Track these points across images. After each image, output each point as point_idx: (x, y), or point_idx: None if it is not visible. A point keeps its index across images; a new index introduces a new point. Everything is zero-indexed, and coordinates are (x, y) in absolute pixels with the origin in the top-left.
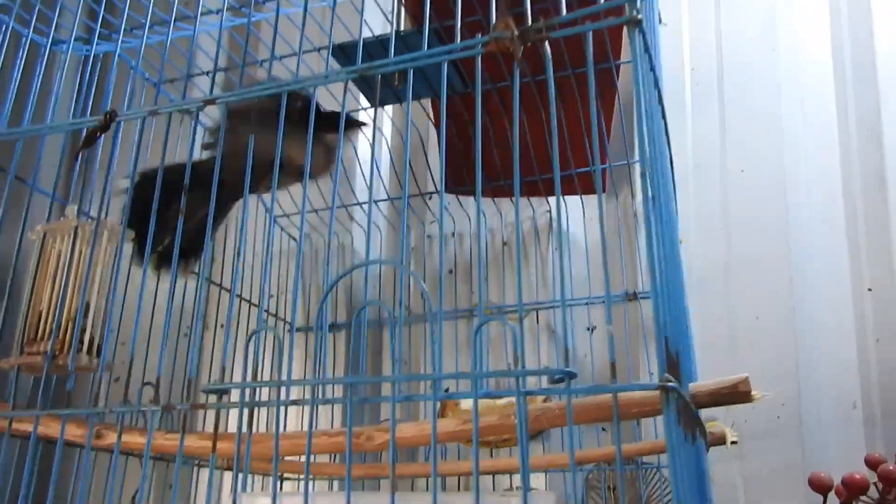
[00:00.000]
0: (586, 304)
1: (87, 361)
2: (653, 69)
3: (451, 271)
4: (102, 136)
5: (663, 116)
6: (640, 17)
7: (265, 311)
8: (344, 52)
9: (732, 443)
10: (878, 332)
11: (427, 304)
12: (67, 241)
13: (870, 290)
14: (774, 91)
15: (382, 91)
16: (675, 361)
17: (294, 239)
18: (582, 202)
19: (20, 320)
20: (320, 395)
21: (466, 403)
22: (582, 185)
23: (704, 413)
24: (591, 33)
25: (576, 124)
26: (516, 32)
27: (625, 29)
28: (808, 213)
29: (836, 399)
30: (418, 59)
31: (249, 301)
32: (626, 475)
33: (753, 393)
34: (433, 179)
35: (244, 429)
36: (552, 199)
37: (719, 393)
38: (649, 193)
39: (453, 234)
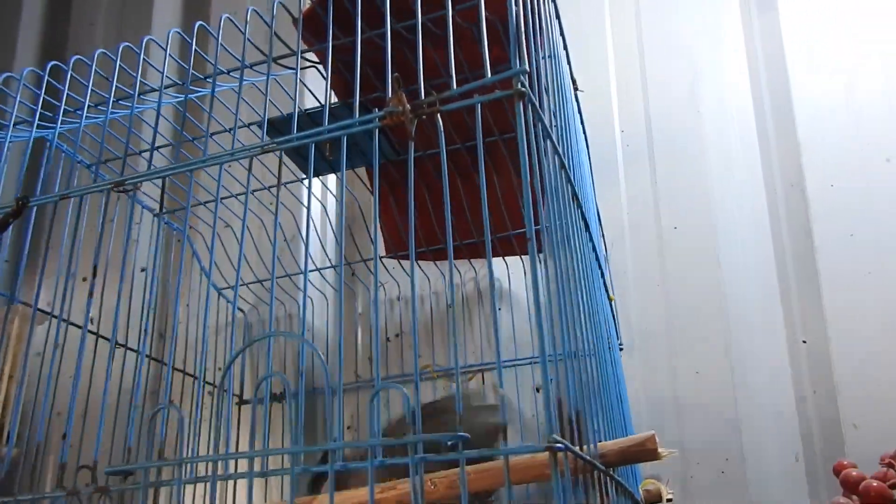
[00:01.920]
0: (530, 363)
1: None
2: (549, 137)
3: (397, 335)
4: (13, 221)
5: (591, 171)
6: (524, 90)
7: (209, 383)
8: (276, 128)
9: (668, 500)
10: (814, 384)
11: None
12: None
13: (804, 342)
14: (700, 149)
15: (317, 162)
16: (569, 421)
17: (241, 310)
18: (523, 263)
19: None
20: (262, 467)
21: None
22: (520, 245)
23: (646, 470)
24: (480, 106)
25: (509, 186)
26: (408, 107)
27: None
28: (740, 267)
29: (778, 452)
30: (333, 131)
31: (193, 375)
32: None
33: (661, 451)
34: (371, 242)
35: None
36: (494, 260)
37: (628, 451)
38: (537, 260)
39: (398, 297)
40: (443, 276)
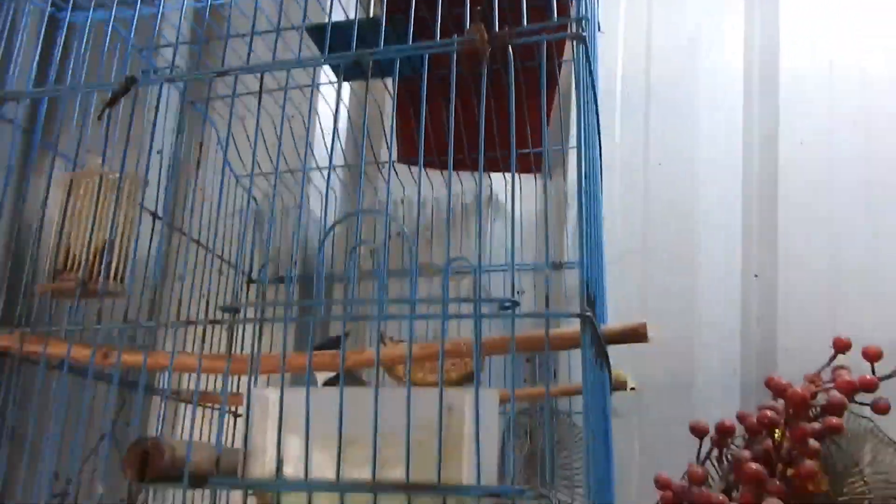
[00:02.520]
0: (517, 269)
1: (115, 287)
2: (591, 73)
3: (398, 234)
4: (122, 97)
5: (596, 111)
6: (584, 34)
7: (224, 259)
8: (318, 32)
9: (632, 388)
10: (759, 312)
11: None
12: (93, 186)
13: (756, 276)
14: (692, 96)
15: (352, 70)
16: (592, 301)
17: (255, 199)
18: (520, 181)
19: (49, 255)
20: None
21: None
22: (520, 165)
23: (613, 364)
24: (544, 42)
25: (519, 112)
26: (485, 37)
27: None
28: (712, 205)
29: (720, 365)
30: (404, 51)
31: (213, 252)
32: (540, 420)
33: (650, 335)
34: (388, 148)
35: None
36: (493, 175)
37: (625, 331)
38: (583, 172)
39: (402, 200)
40: (446, 185)
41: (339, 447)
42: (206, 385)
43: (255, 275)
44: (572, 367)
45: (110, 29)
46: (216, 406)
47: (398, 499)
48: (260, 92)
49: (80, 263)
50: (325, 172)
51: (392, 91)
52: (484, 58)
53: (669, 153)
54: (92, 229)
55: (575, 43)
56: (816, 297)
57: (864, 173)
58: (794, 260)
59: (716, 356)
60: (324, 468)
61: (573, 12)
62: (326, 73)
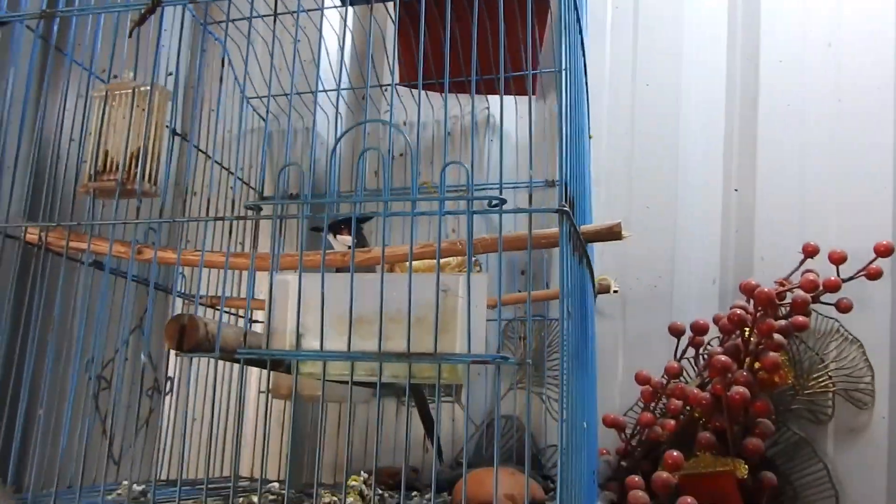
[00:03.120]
0: (514, 187)
1: (150, 188)
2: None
3: (401, 154)
4: (149, 17)
5: (582, 38)
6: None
7: (239, 179)
8: None
9: (615, 291)
10: (738, 225)
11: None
12: (127, 98)
13: (736, 190)
14: (678, 20)
15: None
16: (571, 200)
17: (262, 118)
18: (515, 102)
19: (89, 159)
20: None
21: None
22: (516, 87)
23: (598, 271)
24: None
25: (513, 34)
26: None
27: None
28: (695, 124)
29: (700, 275)
30: None
31: (227, 169)
32: (535, 326)
33: (623, 233)
34: (391, 71)
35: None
36: (491, 98)
37: (601, 231)
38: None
39: (405, 122)
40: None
41: (350, 323)
42: (215, 290)
43: (266, 191)
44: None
45: None
46: (230, 310)
47: (400, 367)
48: (276, 14)
49: (117, 166)
50: (333, 95)
51: (394, 16)
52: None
53: (656, 75)
54: (128, 136)
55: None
56: (790, 209)
57: (835, 91)
58: (770, 175)
59: (697, 265)
60: (336, 343)
61: None
62: None
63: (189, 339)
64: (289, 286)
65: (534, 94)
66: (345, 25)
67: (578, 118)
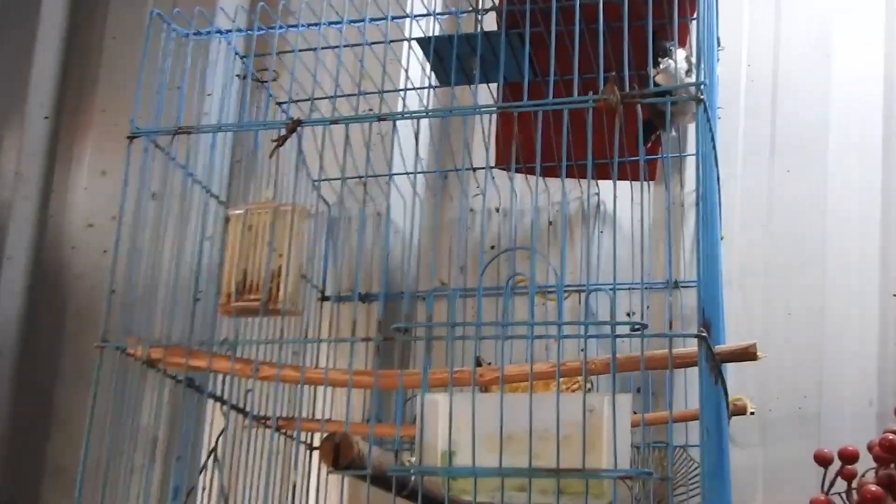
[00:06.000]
0: (629, 289)
1: (292, 307)
2: (710, 130)
3: (492, 247)
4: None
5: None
6: (702, 98)
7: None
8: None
9: (751, 413)
10: None
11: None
12: (266, 218)
13: (895, 296)
14: (824, 97)
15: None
16: (707, 325)
17: (326, 203)
18: (631, 189)
19: (225, 278)
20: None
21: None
22: (632, 172)
23: (733, 389)
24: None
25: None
26: (619, 97)
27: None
28: (845, 217)
29: (854, 395)
30: (546, 104)
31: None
32: (655, 455)
33: (759, 354)
34: (486, 150)
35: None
36: (602, 183)
37: (735, 352)
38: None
39: (497, 209)
40: (547, 191)
41: (501, 440)
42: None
43: (328, 291)
44: (688, 393)
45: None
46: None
47: (549, 484)
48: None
49: (257, 285)
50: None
51: (497, 96)
52: (617, 112)
53: (798, 159)
54: (270, 255)
55: (696, 105)
56: None
57: None
58: None
59: (850, 383)
60: (485, 461)
61: (693, 75)
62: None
63: (345, 456)
64: (438, 405)
65: (651, 178)
66: (428, 96)
67: (710, 211)
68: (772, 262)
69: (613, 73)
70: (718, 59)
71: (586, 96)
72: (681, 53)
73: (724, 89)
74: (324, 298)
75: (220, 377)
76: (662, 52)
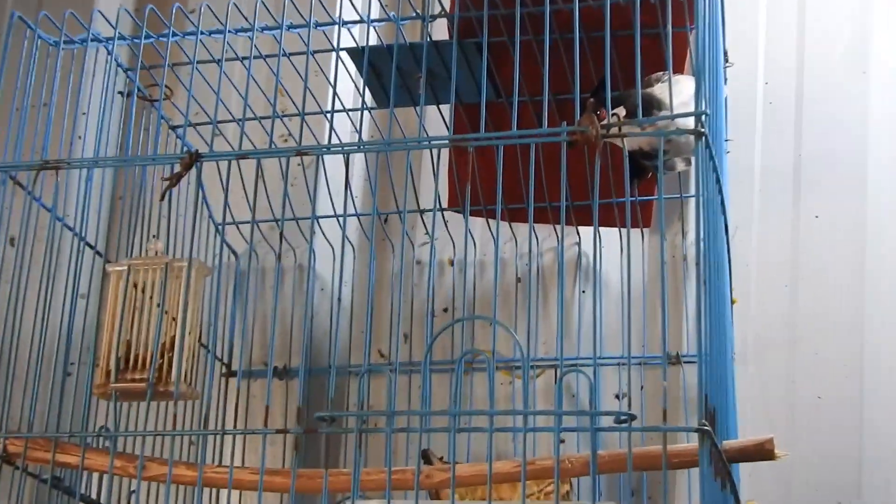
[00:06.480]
0: (617, 364)
1: (188, 389)
2: (715, 170)
3: (444, 310)
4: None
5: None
6: (704, 131)
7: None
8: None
9: None
10: None
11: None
12: (156, 276)
13: None
14: (861, 121)
15: (399, 94)
16: (711, 415)
17: (234, 253)
18: (620, 238)
19: (104, 350)
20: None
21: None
22: (620, 217)
23: (748, 493)
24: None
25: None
26: (599, 131)
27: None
28: (890, 274)
29: None
30: (511, 137)
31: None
32: None
33: (778, 452)
34: (435, 191)
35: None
36: (583, 230)
37: (746, 449)
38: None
39: (451, 261)
40: (514, 240)
41: None
42: None
43: (234, 365)
44: (692, 499)
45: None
46: None
47: None
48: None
49: (144, 362)
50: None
51: (449, 122)
52: (597, 149)
53: (829, 203)
54: (160, 324)
55: (696, 140)
56: None
57: None
58: None
59: (895, 483)
60: None
61: (692, 104)
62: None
63: None
64: None
65: (646, 225)
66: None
67: (717, 268)
68: (797, 333)
69: (591, 98)
70: (726, 80)
71: (559, 128)
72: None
73: (735, 115)
74: (229, 374)
75: (95, 476)
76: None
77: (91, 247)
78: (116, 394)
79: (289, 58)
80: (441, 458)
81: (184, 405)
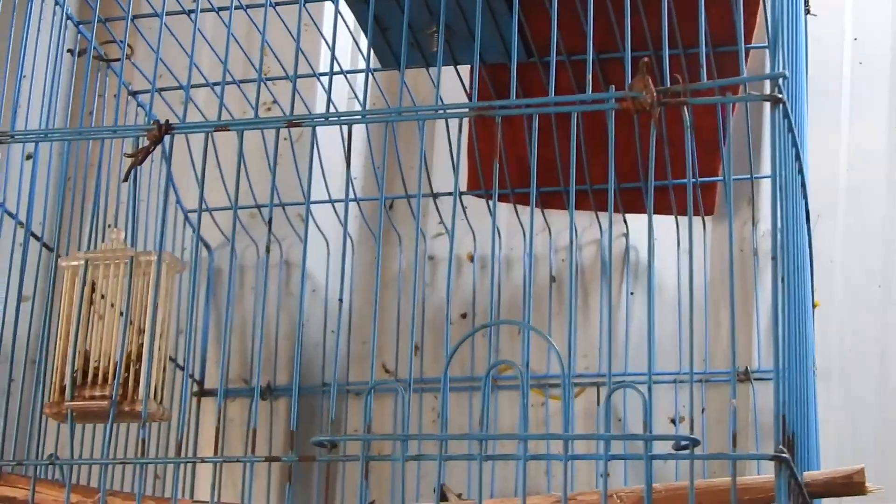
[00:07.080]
0: (674, 380)
1: (157, 408)
2: (795, 142)
3: (463, 315)
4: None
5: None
6: (780, 96)
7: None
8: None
9: None
10: None
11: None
12: (119, 272)
13: None
14: None
15: (410, 53)
16: (790, 440)
17: (207, 246)
18: (677, 229)
19: (57, 363)
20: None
21: None
22: (679, 203)
23: None
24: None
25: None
26: (655, 97)
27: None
28: None
29: None
30: (547, 105)
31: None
32: None
33: (868, 486)
34: (454, 172)
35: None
36: (632, 218)
37: (833, 482)
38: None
39: (471, 257)
40: (548, 230)
41: None
42: None
43: (209, 382)
44: None
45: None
46: None
47: None
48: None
49: (106, 375)
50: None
51: (471, 88)
52: (655, 120)
53: None
54: (124, 330)
55: (772, 107)
56: None
57: None
58: None
59: None
60: None
61: (768, 65)
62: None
63: None
64: None
65: (708, 213)
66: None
67: (794, 264)
68: (892, 344)
69: (647, 57)
70: (807, 35)
71: (605, 93)
72: None
73: (818, 77)
74: (202, 393)
75: None
76: None
77: (37, 238)
78: (73, 414)
79: (275, 8)
80: (459, 495)
81: (153, 429)
